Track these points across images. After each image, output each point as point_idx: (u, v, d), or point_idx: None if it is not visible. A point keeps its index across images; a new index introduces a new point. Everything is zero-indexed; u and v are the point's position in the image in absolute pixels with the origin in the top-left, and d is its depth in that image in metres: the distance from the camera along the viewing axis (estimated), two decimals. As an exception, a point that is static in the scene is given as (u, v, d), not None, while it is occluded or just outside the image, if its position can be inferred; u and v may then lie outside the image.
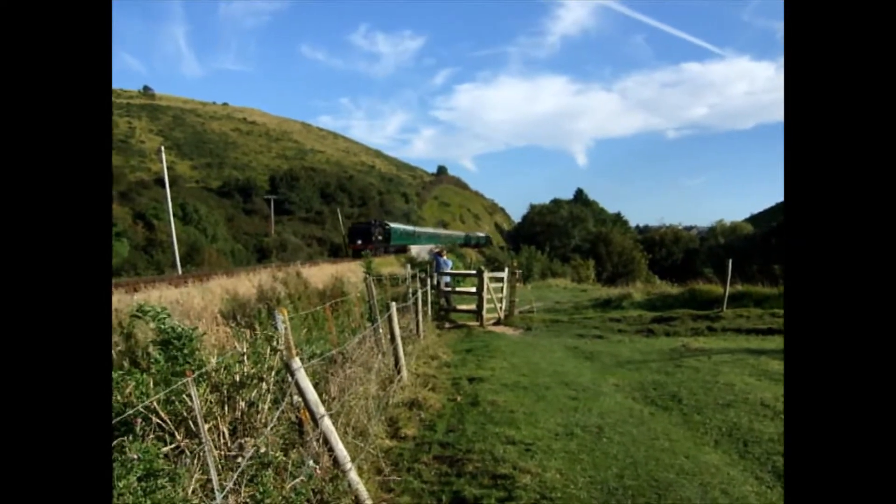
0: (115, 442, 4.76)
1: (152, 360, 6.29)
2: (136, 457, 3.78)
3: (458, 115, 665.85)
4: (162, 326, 6.30)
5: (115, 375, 5.86)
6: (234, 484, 4.85)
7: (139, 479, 3.63)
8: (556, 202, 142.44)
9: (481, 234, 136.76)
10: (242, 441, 5.14)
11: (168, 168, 51.58)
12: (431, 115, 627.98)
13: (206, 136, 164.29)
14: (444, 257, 26.25)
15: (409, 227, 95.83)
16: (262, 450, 5.11)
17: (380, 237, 76.18)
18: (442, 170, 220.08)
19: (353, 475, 5.95)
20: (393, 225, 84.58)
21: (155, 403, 5.41)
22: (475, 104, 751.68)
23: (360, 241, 71.18)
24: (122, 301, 10.62)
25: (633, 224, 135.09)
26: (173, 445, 5.23)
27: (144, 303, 6.80)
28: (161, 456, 4.03)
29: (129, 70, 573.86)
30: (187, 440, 5.33)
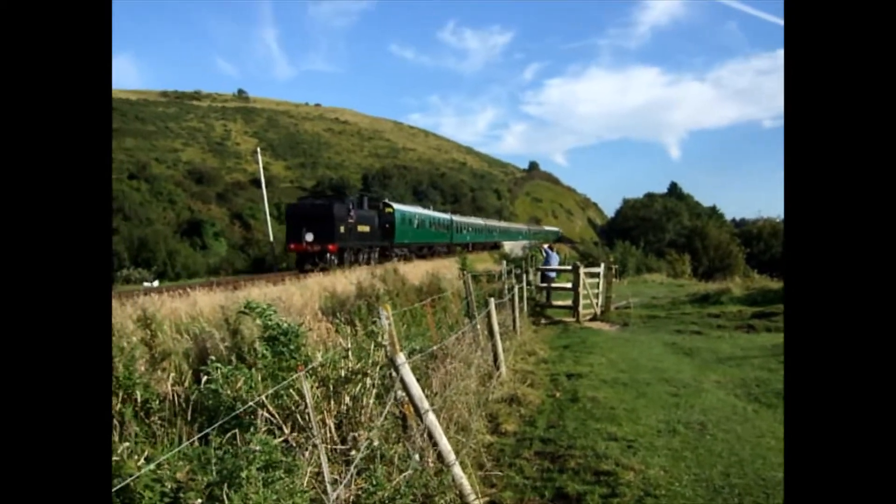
0: (227, 435, 4.87)
1: (259, 356, 6.42)
2: (257, 448, 3.86)
3: (549, 110, 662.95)
4: (269, 323, 6.42)
5: (224, 370, 6.01)
6: (345, 476, 4.92)
7: (259, 470, 3.71)
8: (649, 196, 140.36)
9: (551, 229, 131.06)
10: (356, 434, 5.21)
11: (263, 169, 52.75)
12: (521, 110, 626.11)
13: (299, 136, 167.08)
14: (554, 251, 26.10)
15: (434, 214, 63.83)
16: (376, 443, 5.17)
17: (367, 227, 42.26)
18: (533, 165, 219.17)
19: (457, 470, 5.97)
20: (400, 208, 50.87)
21: (264, 398, 5.53)
22: (565, 98, 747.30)
23: (311, 238, 35.99)
24: (228, 298, 10.89)
25: (729, 217, 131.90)
26: (282, 439, 5.34)
27: (252, 300, 6.95)
28: (279, 448, 4.11)
29: (223, 74, 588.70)
30: (294, 433, 5.43)
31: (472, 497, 6.02)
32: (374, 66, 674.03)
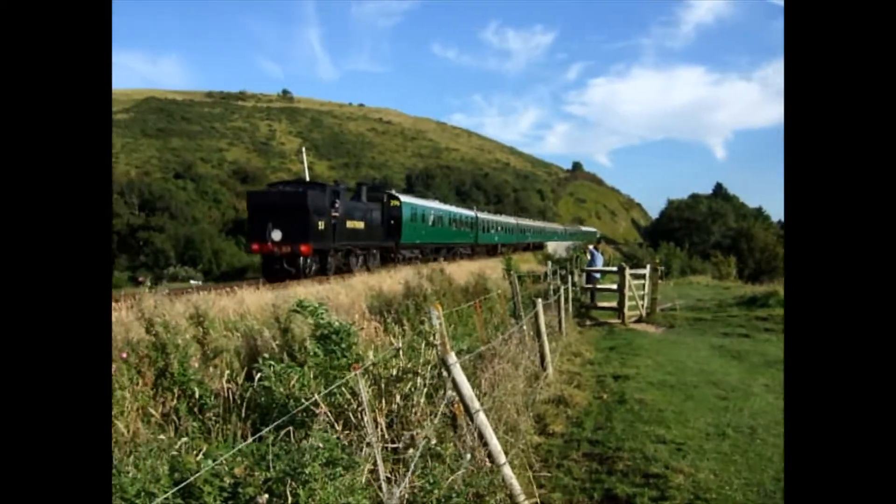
0: (282, 431, 4.93)
1: (310, 354, 6.50)
2: (320, 445, 3.91)
3: (592, 110, 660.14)
4: (320, 321, 6.49)
5: (278, 368, 6.10)
6: (399, 474, 4.96)
7: (322, 466, 3.75)
8: (694, 197, 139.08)
9: (588, 230, 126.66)
10: (414, 433, 5.25)
11: (308, 169, 53.09)
12: (564, 110, 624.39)
13: (343, 136, 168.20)
14: (599, 252, 25.98)
15: (454, 210, 54.44)
16: (433, 441, 5.21)
17: (360, 223, 33.00)
18: (577, 166, 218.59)
19: (507, 470, 5.98)
20: (409, 200, 42.75)
21: (317, 395, 5.59)
22: (609, 98, 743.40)
23: (278, 236, 27.25)
24: (277, 297, 11.00)
25: (775, 219, 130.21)
26: (334, 437, 5.39)
27: (304, 298, 7.03)
28: (339, 445, 4.15)
29: (268, 74, 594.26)
30: (346, 431, 5.48)
31: (522, 497, 6.02)
32: (417, 66, 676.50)
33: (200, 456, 4.49)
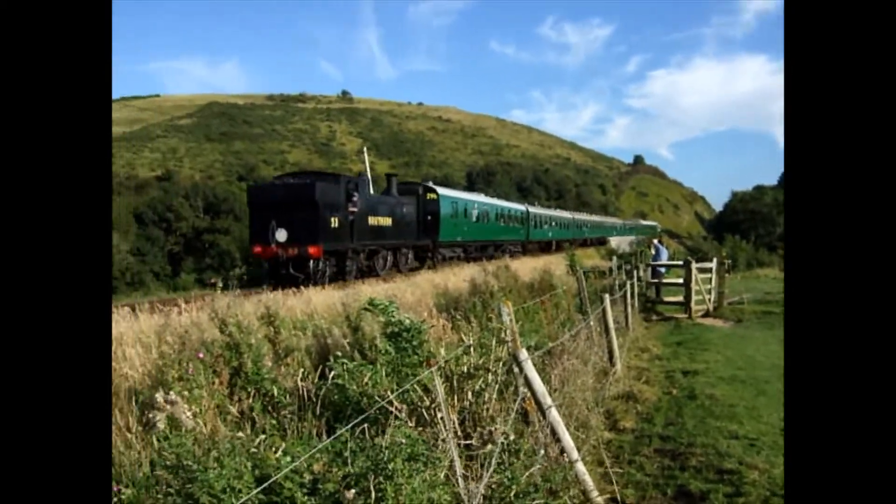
0: (357, 428, 4.99)
1: (381, 352, 6.57)
2: (402, 440, 3.97)
3: (653, 102, 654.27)
4: (391, 319, 6.56)
5: (350, 366, 6.18)
6: (473, 470, 5.00)
7: (404, 462, 3.81)
8: (758, 189, 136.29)
9: (648, 224, 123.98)
10: (492, 429, 5.27)
11: (369, 168, 53.40)
12: (625, 103, 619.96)
13: (402, 135, 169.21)
14: (663, 246, 25.74)
15: (501, 204, 49.28)
16: (512, 437, 5.23)
17: (387, 220, 28.62)
18: (638, 159, 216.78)
19: (581, 466, 5.98)
20: (448, 193, 37.74)
21: (389, 392, 5.65)
22: (670, 90, 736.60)
23: (283, 237, 22.97)
24: (348, 296, 11.12)
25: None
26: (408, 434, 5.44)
27: (374, 297, 7.11)
28: (419, 441, 4.20)
29: (327, 76, 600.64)
30: (419, 428, 5.52)
31: (595, 493, 6.02)
32: (474, 63, 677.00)
33: (279, 453, 4.58)
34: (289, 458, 4.42)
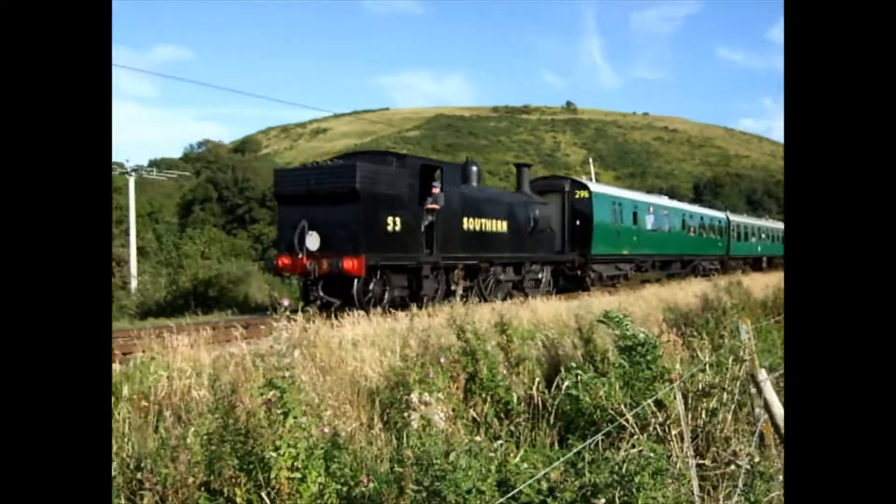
0: (589, 440, 5.04)
1: (614, 365, 6.59)
2: (651, 454, 4.00)
3: None
4: (626, 332, 6.57)
5: (585, 377, 6.24)
6: (704, 490, 4.93)
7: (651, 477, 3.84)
8: None
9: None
10: (736, 449, 5.18)
11: (595, 179, 53.22)
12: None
13: (627, 146, 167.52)
14: None
15: (689, 209, 38.97)
16: (757, 459, 5.11)
17: (501, 224, 19.72)
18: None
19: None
20: (606, 192, 28.59)
21: (623, 406, 5.67)
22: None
23: (315, 244, 14.99)
24: (576, 307, 11.22)
25: None
26: (638, 449, 5.43)
27: (609, 310, 7.14)
28: (665, 456, 4.22)
29: (551, 88, 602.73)
30: (651, 444, 5.49)
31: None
32: (701, 71, 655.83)
33: (517, 459, 4.72)
34: (525, 465, 4.55)
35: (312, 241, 15.06)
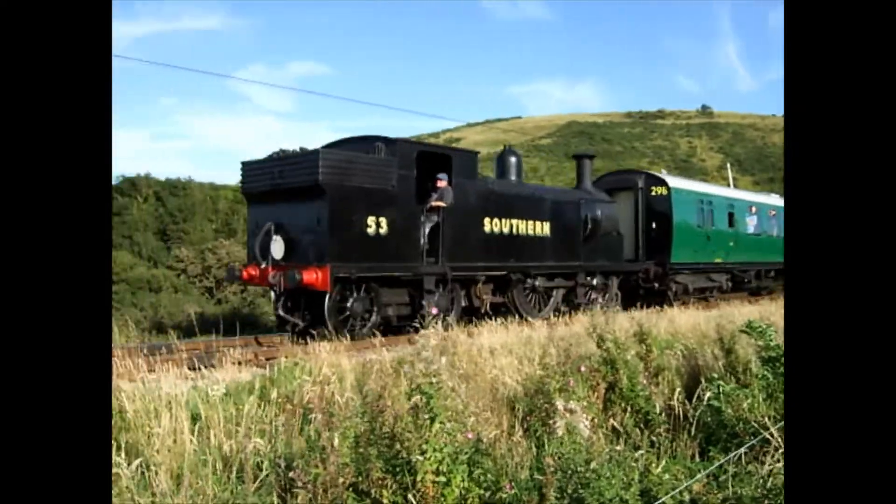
0: (732, 453, 4.99)
1: (757, 377, 6.48)
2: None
3: None
4: (770, 343, 6.45)
5: (727, 389, 6.17)
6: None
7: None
8: None
9: None
10: None
11: (732, 185, 51.84)
12: None
13: (766, 149, 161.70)
14: None
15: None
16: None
17: (544, 226, 15.93)
18: None
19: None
20: (687, 186, 22.80)
21: (767, 419, 5.57)
22: None
23: (279, 251, 12.13)
24: (716, 316, 11.03)
25: None
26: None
27: (753, 320, 7.02)
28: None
29: (685, 91, 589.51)
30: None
31: None
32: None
33: (659, 469, 4.72)
34: (667, 476, 4.56)
35: (277, 247, 12.32)
